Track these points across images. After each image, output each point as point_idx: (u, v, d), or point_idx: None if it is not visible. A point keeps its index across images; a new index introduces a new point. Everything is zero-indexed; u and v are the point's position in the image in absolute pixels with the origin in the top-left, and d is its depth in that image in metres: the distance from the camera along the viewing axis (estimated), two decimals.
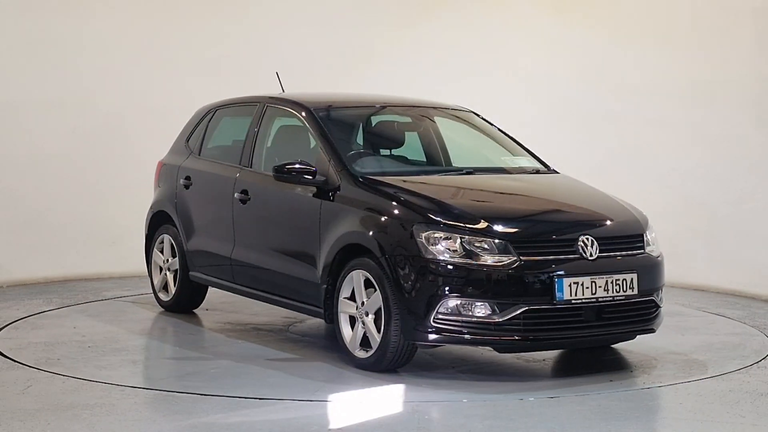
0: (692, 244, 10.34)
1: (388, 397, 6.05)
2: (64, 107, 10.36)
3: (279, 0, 11.18)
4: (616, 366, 6.88)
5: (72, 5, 10.43)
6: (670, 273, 10.26)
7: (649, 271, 6.67)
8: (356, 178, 6.88)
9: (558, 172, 7.66)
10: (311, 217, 7.02)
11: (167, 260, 8.55)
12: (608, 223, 6.72)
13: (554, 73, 11.13)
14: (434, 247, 6.27)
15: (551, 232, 6.54)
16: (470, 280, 6.21)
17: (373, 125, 7.91)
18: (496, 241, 6.28)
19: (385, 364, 6.48)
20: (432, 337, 6.27)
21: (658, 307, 6.74)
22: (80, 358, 6.98)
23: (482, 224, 6.35)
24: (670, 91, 10.53)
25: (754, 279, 9.77)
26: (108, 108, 10.55)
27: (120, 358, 7.00)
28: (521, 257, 6.25)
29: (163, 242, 8.64)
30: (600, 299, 6.36)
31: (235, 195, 7.75)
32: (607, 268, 6.43)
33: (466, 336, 6.22)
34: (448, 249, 6.27)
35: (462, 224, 6.35)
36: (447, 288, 6.22)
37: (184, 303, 8.54)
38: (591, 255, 6.40)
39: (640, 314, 6.63)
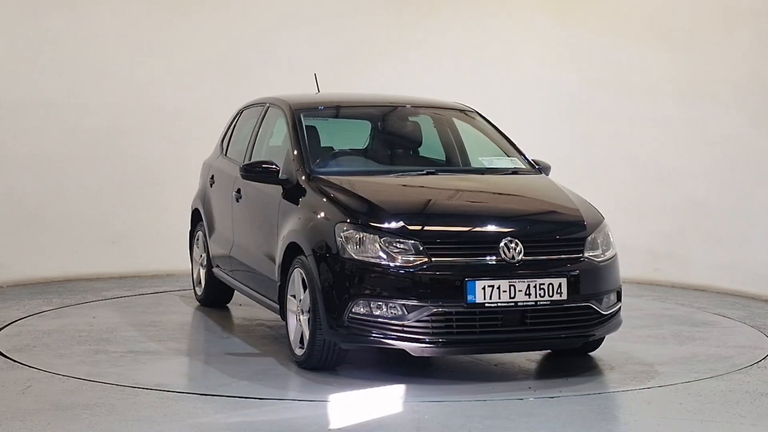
0: (692, 244, 10.34)
1: (388, 397, 6.05)
2: (64, 107, 10.36)
3: (280, 0, 11.19)
4: (613, 367, 6.88)
5: (72, 5, 10.43)
6: (670, 273, 10.40)
7: (586, 277, 6.38)
8: (309, 177, 6.92)
9: (541, 173, 7.45)
10: (274, 216, 7.10)
11: (201, 255, 8.88)
12: (541, 226, 6.61)
13: (554, 73, 11.13)
14: (352, 247, 6.26)
15: (470, 234, 6.42)
16: (381, 281, 6.18)
17: (359, 125, 7.97)
18: (410, 241, 6.21)
19: (314, 362, 6.51)
20: (347, 336, 6.27)
21: (599, 314, 6.44)
22: (52, 348, 7.09)
23: (398, 225, 6.29)
24: (670, 91, 10.53)
25: (754, 279, 9.77)
26: (108, 108, 10.55)
27: (85, 349, 7.05)
28: (432, 258, 6.17)
29: (198, 238, 8.93)
30: (520, 303, 6.19)
31: (233, 194, 7.90)
32: (532, 272, 6.23)
33: (378, 337, 6.19)
34: (366, 249, 6.24)
35: (379, 224, 6.30)
36: (359, 288, 6.19)
37: (212, 298, 8.73)
38: (513, 258, 6.24)
39: (573, 321, 6.36)
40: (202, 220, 8.78)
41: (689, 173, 10.40)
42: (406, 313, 6.12)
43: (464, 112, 8.10)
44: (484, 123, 7.96)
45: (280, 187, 7.08)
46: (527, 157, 7.65)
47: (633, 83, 10.73)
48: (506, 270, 6.19)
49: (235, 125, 8.75)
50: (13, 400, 5.90)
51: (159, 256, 10.58)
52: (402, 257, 6.18)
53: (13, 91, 10.15)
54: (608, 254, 6.62)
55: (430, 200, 6.88)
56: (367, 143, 7.87)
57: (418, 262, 6.17)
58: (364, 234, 6.27)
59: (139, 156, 10.65)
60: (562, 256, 6.40)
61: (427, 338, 6.13)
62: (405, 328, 6.13)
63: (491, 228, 6.42)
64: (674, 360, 7.05)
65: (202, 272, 8.80)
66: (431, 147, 7.90)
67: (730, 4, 10.16)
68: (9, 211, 10.11)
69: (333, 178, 6.89)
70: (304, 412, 5.71)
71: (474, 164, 7.65)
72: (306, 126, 7.46)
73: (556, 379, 6.56)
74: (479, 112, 8.15)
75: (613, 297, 6.60)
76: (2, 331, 7.81)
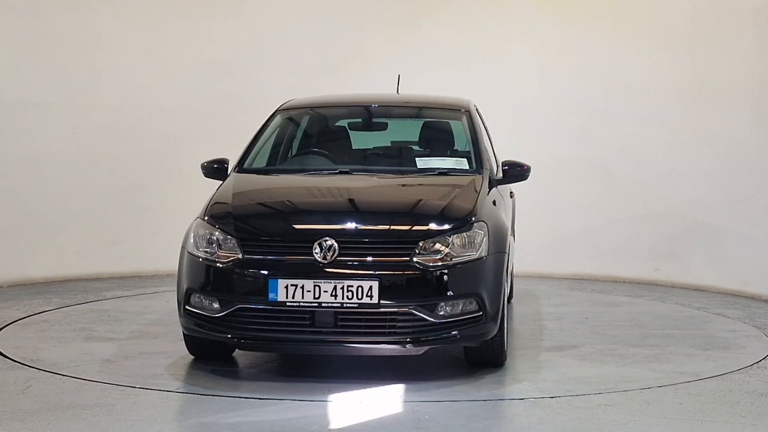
0: (692, 244, 10.35)
1: (388, 397, 6.05)
2: (64, 107, 10.37)
3: (280, 0, 11.20)
4: (613, 368, 6.88)
5: (72, 5, 10.44)
6: (670, 273, 10.40)
7: (411, 280, 6.13)
8: (232, 173, 7.16)
9: (477, 175, 7.02)
10: None
11: None
12: (370, 225, 6.39)
13: (555, 73, 11.14)
14: (197, 242, 6.45)
15: (283, 232, 6.41)
16: (204, 276, 6.35)
17: (333, 125, 8.10)
18: (231, 238, 6.33)
19: (190, 351, 6.79)
20: (188, 328, 6.48)
21: (427, 322, 6.12)
22: (52, 348, 7.09)
23: (228, 222, 6.42)
24: (670, 91, 10.54)
25: (754, 279, 9.78)
26: (108, 108, 10.56)
27: (86, 349, 7.06)
28: (245, 255, 6.25)
29: None
30: (324, 305, 6.07)
31: None
32: (340, 273, 6.08)
33: (203, 329, 6.37)
34: (203, 244, 6.41)
35: (216, 222, 6.46)
36: (191, 282, 6.41)
37: None
38: (324, 258, 6.12)
39: (392, 327, 6.11)
40: None
41: (689, 173, 10.40)
42: (219, 307, 6.27)
43: (455, 111, 7.90)
44: (469, 122, 7.69)
45: None
46: (481, 159, 7.24)
47: (633, 83, 10.74)
48: (314, 269, 6.14)
49: None
50: (13, 400, 5.89)
51: (159, 256, 10.59)
52: (224, 254, 6.32)
53: (13, 91, 10.16)
54: (459, 259, 6.21)
55: (279, 200, 6.87)
56: (338, 143, 7.92)
57: (232, 259, 6.27)
58: (206, 230, 6.45)
59: (139, 156, 10.65)
60: (384, 258, 6.17)
61: (235, 333, 6.25)
62: (219, 323, 6.28)
63: (310, 227, 6.42)
64: (673, 360, 7.05)
65: None
66: (399, 146, 7.94)
67: (730, 4, 10.17)
68: (9, 211, 10.12)
69: (242, 176, 7.12)
70: (304, 412, 5.71)
71: (402, 165, 7.52)
72: (295, 126, 7.57)
73: (557, 379, 6.57)
74: (470, 111, 7.96)
75: (468, 304, 6.22)
76: (2, 331, 7.82)
